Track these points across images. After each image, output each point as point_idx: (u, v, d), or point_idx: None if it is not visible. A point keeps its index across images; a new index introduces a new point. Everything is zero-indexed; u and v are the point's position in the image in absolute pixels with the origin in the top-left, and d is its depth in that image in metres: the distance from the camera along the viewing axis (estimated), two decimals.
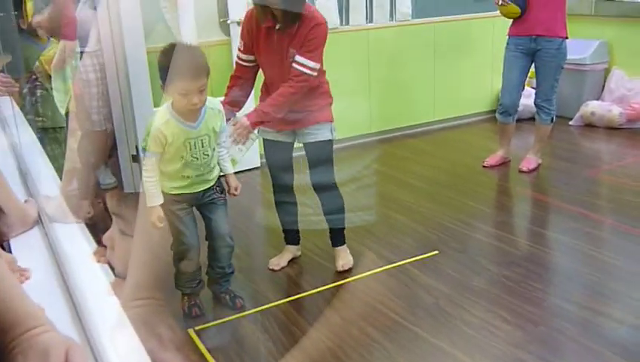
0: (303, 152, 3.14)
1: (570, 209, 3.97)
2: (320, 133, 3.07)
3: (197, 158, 2.67)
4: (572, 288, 3.06)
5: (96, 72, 4.10)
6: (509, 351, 2.54)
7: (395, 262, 3.33)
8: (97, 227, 1.66)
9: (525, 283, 3.07)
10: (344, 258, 3.29)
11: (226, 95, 3.09)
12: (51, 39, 3.83)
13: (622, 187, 4.33)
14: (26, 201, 1.77)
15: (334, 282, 3.17)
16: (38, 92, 3.81)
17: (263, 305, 2.97)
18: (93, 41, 3.63)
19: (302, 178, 3.23)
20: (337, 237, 3.32)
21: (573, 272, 3.23)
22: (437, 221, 3.84)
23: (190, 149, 2.64)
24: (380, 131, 5.56)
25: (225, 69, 4.73)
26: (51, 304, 1.10)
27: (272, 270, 3.29)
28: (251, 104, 4.79)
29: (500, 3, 4.39)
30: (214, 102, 2.73)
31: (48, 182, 1.91)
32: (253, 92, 3.20)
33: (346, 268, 3.25)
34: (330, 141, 3.11)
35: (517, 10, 4.39)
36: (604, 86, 5.94)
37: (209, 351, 2.62)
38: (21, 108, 3.02)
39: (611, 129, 5.61)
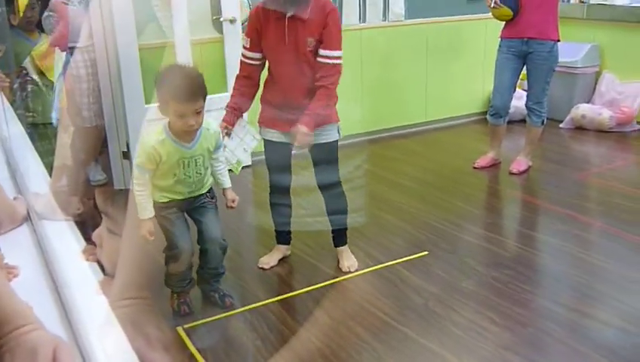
0: (299, 152, 3.13)
1: (560, 211, 3.99)
2: (328, 135, 3.08)
3: (190, 177, 2.70)
4: (560, 290, 3.08)
5: (87, 68, 4.08)
6: (497, 353, 2.56)
7: (384, 263, 3.34)
8: (87, 224, 1.66)
9: (514, 284, 3.09)
10: (348, 258, 3.30)
11: (233, 96, 3.06)
12: (42, 35, 3.81)
13: (611, 190, 4.35)
14: (15, 198, 1.76)
15: (324, 282, 3.17)
16: (29, 87, 3.80)
17: (253, 303, 2.97)
18: (84, 36, 3.61)
19: (298, 179, 3.23)
20: (340, 237, 3.32)
21: (561, 274, 3.25)
22: (427, 222, 3.85)
23: (183, 168, 2.67)
24: (371, 131, 5.56)
25: (218, 66, 4.73)
26: (39, 302, 1.09)
27: (262, 269, 3.29)
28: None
29: (493, 5, 4.40)
30: (210, 123, 2.74)
31: (37, 179, 1.90)
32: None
33: (352, 270, 3.25)
34: (337, 141, 3.11)
35: (509, 12, 4.40)
36: (594, 89, 5.97)
37: (198, 349, 2.62)
38: (11, 104, 3.00)
39: (601, 132, 5.64)
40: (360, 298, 3.09)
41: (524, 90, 4.85)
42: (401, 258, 3.38)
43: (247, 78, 3.06)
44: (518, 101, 5.28)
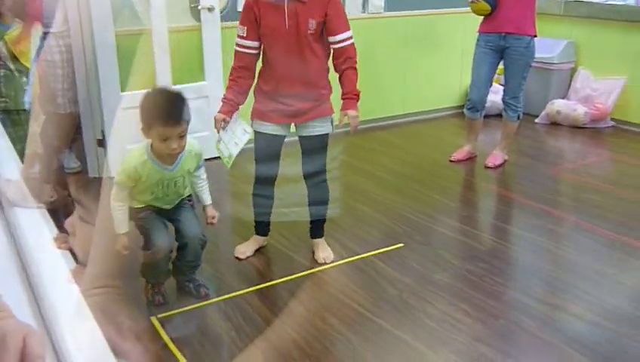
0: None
1: (534, 205, 4.03)
2: (322, 127, 3.08)
3: (168, 195, 2.74)
4: (533, 283, 3.11)
5: (62, 54, 4.01)
6: (470, 344, 2.58)
7: (359, 254, 3.35)
8: (60, 212, 1.64)
9: (488, 277, 3.12)
10: (324, 250, 3.30)
11: (229, 88, 2.99)
12: (16, 20, 3.74)
13: (584, 185, 4.41)
14: None
15: (299, 273, 3.17)
16: (2, 72, 3.72)
17: (228, 294, 2.96)
18: (59, 21, 3.55)
19: (282, 170, 3.21)
20: (318, 229, 3.32)
21: (534, 268, 3.29)
22: (402, 214, 3.86)
23: (162, 188, 2.71)
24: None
25: (195, 54, 4.69)
26: (9, 290, 1.08)
27: (238, 258, 3.28)
28: (219, 94, 4.76)
29: (472, 0, 4.42)
30: (193, 145, 2.75)
31: (9, 166, 1.87)
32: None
33: (328, 262, 3.25)
34: (328, 133, 3.11)
35: (487, 7, 4.43)
36: (570, 85, 6.04)
37: (172, 339, 2.60)
38: None
39: (576, 128, 5.71)
40: (335, 289, 3.09)
41: (501, 85, 4.89)
42: (377, 249, 3.39)
43: (244, 68, 2.99)
44: (495, 95, 5.33)
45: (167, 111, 2.54)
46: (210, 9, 4.63)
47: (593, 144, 5.44)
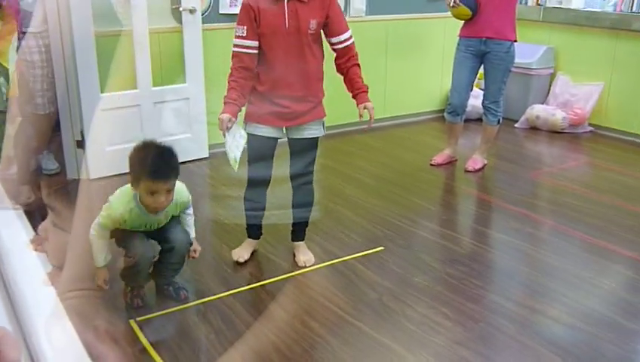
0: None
1: (513, 209, 4.07)
2: (315, 130, 3.07)
3: (151, 231, 2.79)
4: (512, 286, 3.14)
5: (41, 54, 3.98)
6: (450, 347, 2.59)
7: (340, 257, 3.35)
8: (37, 214, 1.62)
9: (467, 280, 3.13)
10: (305, 253, 3.30)
11: (233, 89, 2.89)
12: None
13: (562, 189, 4.45)
14: None
15: (280, 276, 3.16)
16: None
17: (207, 297, 2.94)
18: (38, 21, 3.51)
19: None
20: (300, 231, 3.32)
21: (513, 271, 3.31)
22: (383, 217, 3.87)
23: (145, 227, 2.76)
24: (330, 126, 5.54)
25: (176, 57, 4.67)
26: None
27: (237, 262, 3.25)
28: (202, 95, 4.74)
29: (452, 5, 4.45)
30: (182, 192, 2.78)
31: None
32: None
33: (308, 265, 3.24)
34: (319, 136, 3.11)
35: (468, 12, 4.45)
36: (549, 90, 6.10)
37: (150, 342, 2.58)
38: None
39: (554, 133, 5.77)
40: (315, 292, 3.09)
41: (481, 90, 4.92)
42: (357, 253, 3.40)
43: (245, 68, 2.90)
44: (475, 100, 5.36)
45: (156, 168, 2.56)
46: (192, 11, 4.62)
47: (571, 149, 5.50)
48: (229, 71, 2.93)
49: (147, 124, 4.50)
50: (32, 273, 1.20)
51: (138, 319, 2.74)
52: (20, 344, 0.95)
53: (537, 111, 5.86)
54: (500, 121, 4.71)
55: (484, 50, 4.51)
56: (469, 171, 4.75)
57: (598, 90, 5.74)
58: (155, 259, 2.85)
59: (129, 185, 2.65)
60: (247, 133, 2.97)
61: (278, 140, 3.08)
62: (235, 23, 2.93)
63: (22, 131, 3.66)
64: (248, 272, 3.22)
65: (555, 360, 2.51)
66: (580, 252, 3.50)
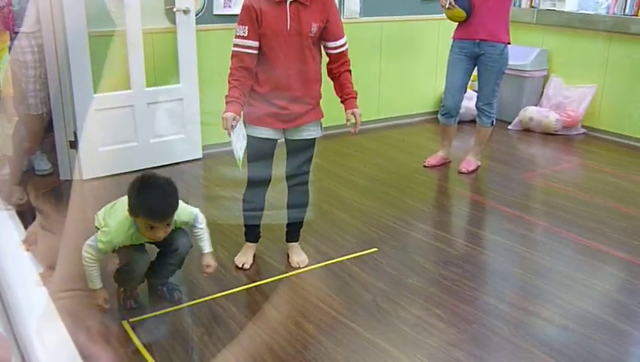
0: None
1: (506, 211, 4.07)
2: (313, 131, 3.06)
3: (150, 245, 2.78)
4: (505, 288, 3.14)
5: (34, 54, 3.97)
6: (443, 348, 2.59)
7: (334, 258, 3.34)
8: (30, 214, 1.61)
9: (461, 282, 3.14)
10: (299, 254, 3.29)
11: (235, 88, 2.86)
12: None
13: (555, 191, 4.46)
14: None
15: (273, 277, 3.16)
16: None
17: (201, 298, 2.93)
18: (31, 21, 3.50)
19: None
20: (295, 232, 3.31)
21: (506, 272, 3.32)
22: (377, 218, 3.87)
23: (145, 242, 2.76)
24: (324, 127, 5.55)
25: (170, 57, 4.66)
26: None
27: (242, 268, 3.22)
28: (196, 96, 4.72)
29: (447, 6, 4.45)
30: (189, 214, 2.76)
31: None
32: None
33: (302, 266, 3.24)
34: (317, 137, 3.11)
35: (462, 14, 4.46)
36: (542, 92, 6.12)
37: (143, 343, 2.57)
38: None
39: (548, 135, 5.79)
40: (309, 293, 3.09)
41: (475, 91, 4.93)
42: (351, 254, 3.39)
43: (245, 68, 2.88)
44: (469, 102, 5.37)
45: (155, 208, 2.54)
46: (186, 11, 4.61)
47: (564, 150, 5.52)
48: (229, 71, 2.91)
49: (140, 125, 4.49)
50: (24, 273, 1.19)
51: (131, 320, 2.73)
52: (10, 344, 0.95)
53: (531, 113, 5.87)
54: (494, 122, 4.72)
55: (477, 52, 4.52)
56: (462, 173, 4.75)
57: (591, 93, 5.76)
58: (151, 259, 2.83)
59: (126, 211, 2.58)
60: (247, 135, 2.96)
61: (277, 141, 3.07)
62: (236, 23, 2.92)
63: (15, 131, 3.65)
64: (242, 273, 3.21)
65: (549, 361, 2.51)
66: (573, 253, 3.51)
